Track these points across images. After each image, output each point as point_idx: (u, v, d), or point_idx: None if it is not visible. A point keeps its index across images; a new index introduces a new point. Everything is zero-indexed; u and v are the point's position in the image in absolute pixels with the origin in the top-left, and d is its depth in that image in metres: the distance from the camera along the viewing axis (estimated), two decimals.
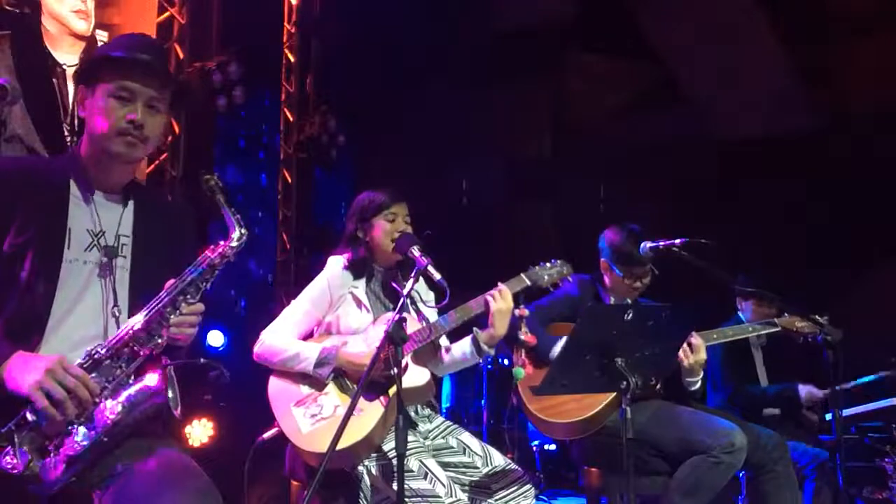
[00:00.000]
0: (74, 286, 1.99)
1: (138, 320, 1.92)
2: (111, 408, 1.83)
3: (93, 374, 1.85)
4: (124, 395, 1.86)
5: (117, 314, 2.02)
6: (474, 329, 2.75)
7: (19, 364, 1.82)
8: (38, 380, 1.76)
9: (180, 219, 2.30)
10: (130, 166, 2.13)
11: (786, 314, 3.55)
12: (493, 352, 2.77)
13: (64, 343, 1.93)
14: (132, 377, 1.91)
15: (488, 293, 2.71)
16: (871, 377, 4.05)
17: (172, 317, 1.94)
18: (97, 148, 2.05)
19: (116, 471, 1.85)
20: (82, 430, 1.81)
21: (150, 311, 1.92)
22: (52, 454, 1.79)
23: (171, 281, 1.97)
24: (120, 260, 2.07)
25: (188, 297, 1.96)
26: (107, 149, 2.03)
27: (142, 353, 1.91)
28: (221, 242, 2.01)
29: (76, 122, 4.48)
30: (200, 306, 1.99)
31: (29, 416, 1.79)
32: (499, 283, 2.74)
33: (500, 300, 2.68)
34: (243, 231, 2.01)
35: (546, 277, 2.86)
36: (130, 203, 2.14)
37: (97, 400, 1.83)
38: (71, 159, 2.11)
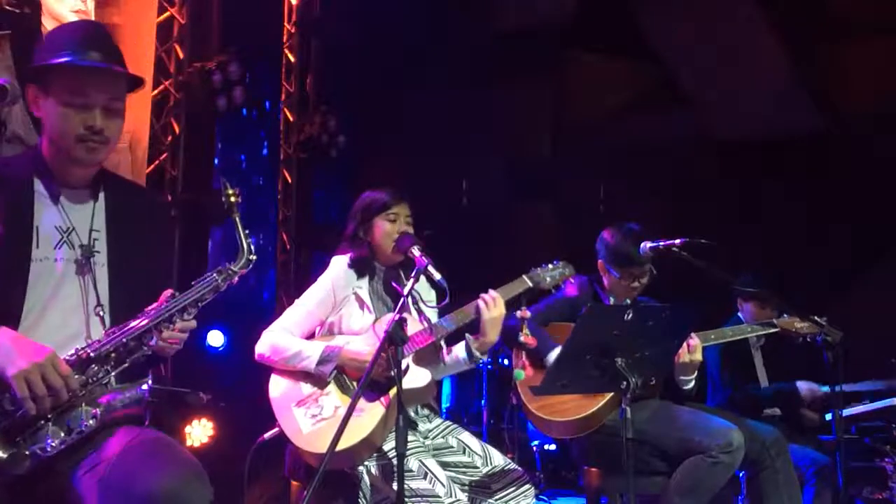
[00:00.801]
0: (47, 284, 1.96)
1: (133, 327, 1.90)
2: (87, 414, 1.83)
3: (75, 374, 1.84)
4: (104, 402, 1.86)
5: (101, 313, 2.01)
6: (466, 335, 2.74)
7: (9, 344, 1.80)
8: (25, 369, 1.75)
9: (154, 210, 2.27)
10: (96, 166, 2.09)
11: (785, 315, 3.54)
12: (486, 358, 2.76)
13: (43, 342, 1.89)
14: (112, 382, 1.91)
15: (480, 299, 2.69)
16: (872, 385, 4.04)
17: (165, 330, 1.93)
18: (58, 150, 2.01)
19: (94, 459, 1.84)
20: (55, 432, 1.80)
21: (146, 321, 1.91)
22: (19, 446, 1.78)
23: (169, 292, 1.96)
24: (96, 256, 2.04)
25: (185, 313, 1.95)
26: (67, 153, 2.00)
27: (128, 360, 1.91)
28: (228, 265, 2.00)
29: None
30: (193, 323, 1.98)
31: (7, 405, 1.78)
32: (490, 290, 2.71)
33: (493, 307, 2.66)
34: (251, 257, 2.01)
35: (548, 279, 2.85)
36: (101, 197, 2.10)
37: (75, 398, 1.82)
38: (33, 157, 2.06)
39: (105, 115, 1.99)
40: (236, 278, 2.01)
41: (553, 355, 3.14)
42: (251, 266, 2.01)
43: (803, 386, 4.00)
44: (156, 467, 1.73)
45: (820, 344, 3.25)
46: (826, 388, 3.92)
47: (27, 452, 1.78)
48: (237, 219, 2.01)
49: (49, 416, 1.80)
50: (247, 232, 2.02)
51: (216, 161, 6.30)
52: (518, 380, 2.99)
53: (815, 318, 3.29)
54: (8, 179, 2.00)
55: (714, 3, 7.06)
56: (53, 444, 1.79)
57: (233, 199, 2.01)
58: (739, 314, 4.27)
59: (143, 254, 2.12)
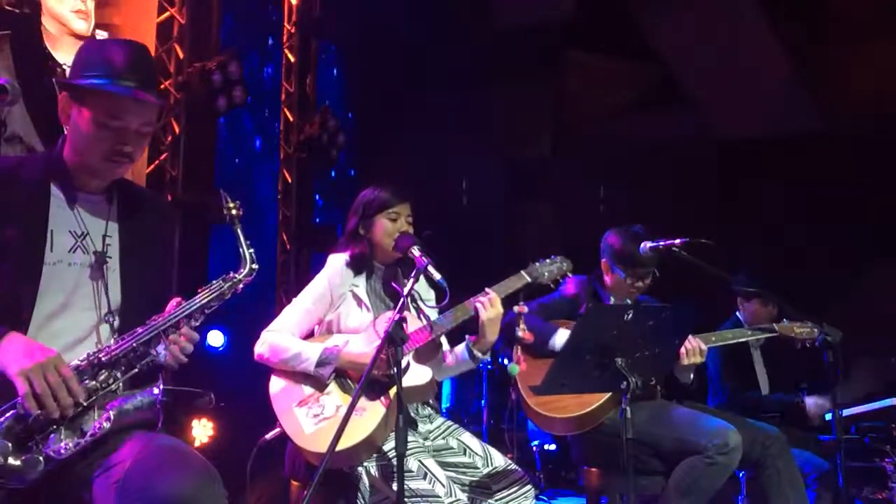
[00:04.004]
0: (61, 288, 1.97)
1: (141, 332, 1.92)
2: (100, 417, 1.84)
3: (85, 379, 1.86)
4: (116, 406, 1.87)
5: (111, 320, 2.02)
6: (466, 337, 2.75)
7: (14, 346, 1.81)
8: (27, 368, 1.76)
9: (162, 216, 2.28)
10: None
11: (785, 320, 3.54)
12: (488, 357, 2.76)
13: (53, 344, 1.91)
14: (121, 387, 1.92)
15: (477, 299, 2.69)
16: (879, 404, 4.02)
17: (172, 335, 1.94)
18: (80, 161, 2.02)
19: (109, 461, 1.84)
20: (69, 435, 1.81)
21: (153, 327, 1.93)
22: (32, 451, 1.78)
23: (177, 300, 1.98)
24: (108, 262, 2.05)
25: (192, 319, 1.97)
26: (91, 167, 2.01)
27: (137, 365, 1.92)
28: (232, 273, 2.02)
29: None
30: (197, 336, 2.00)
31: (18, 408, 1.79)
32: (486, 289, 2.72)
33: (490, 308, 2.66)
34: (254, 266, 2.03)
35: (546, 274, 2.85)
36: (115, 203, 2.11)
37: (83, 403, 1.83)
38: (50, 160, 2.06)
39: (136, 138, 2.01)
40: (241, 286, 2.04)
41: (558, 338, 3.15)
42: (254, 275, 2.04)
43: (810, 402, 3.98)
44: (172, 471, 1.74)
45: (820, 344, 3.25)
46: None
47: (41, 457, 1.78)
48: (238, 230, 2.03)
49: (61, 420, 1.81)
50: (248, 242, 2.04)
51: (216, 161, 6.30)
52: (512, 374, 2.99)
53: (820, 322, 3.29)
54: (22, 181, 2.00)
55: (714, 2, 7.06)
56: (68, 448, 1.80)
57: (234, 211, 2.03)
58: (738, 314, 4.27)
59: (151, 259, 2.15)
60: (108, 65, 1.97)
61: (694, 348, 3.13)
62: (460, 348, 2.79)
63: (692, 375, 3.23)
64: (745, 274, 4.06)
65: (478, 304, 2.67)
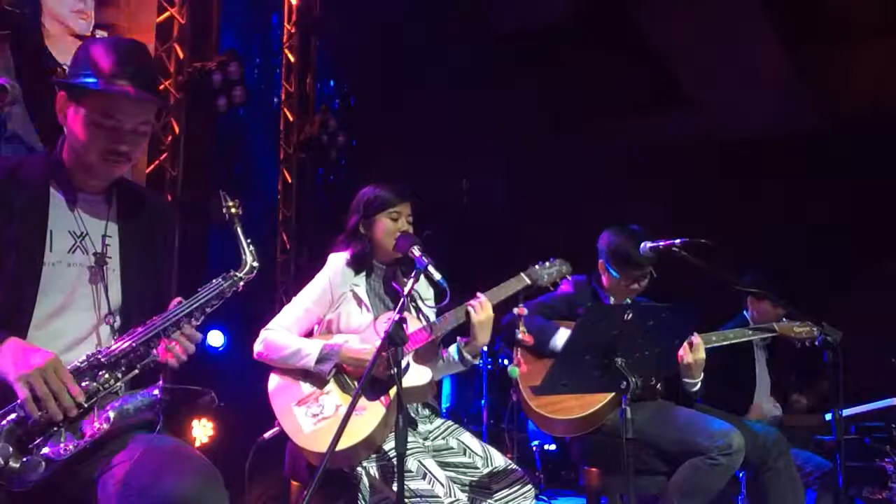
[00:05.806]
0: (61, 289, 1.97)
1: (142, 332, 1.91)
2: (100, 418, 1.84)
3: (85, 380, 1.85)
4: (116, 407, 1.86)
5: (111, 320, 2.02)
6: (458, 339, 2.75)
7: (13, 351, 1.81)
8: (27, 373, 1.77)
9: (162, 216, 2.28)
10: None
11: (785, 319, 3.54)
12: (477, 361, 2.76)
13: (53, 345, 1.91)
14: (122, 388, 1.92)
15: (469, 303, 2.70)
16: (879, 404, 4.02)
17: (173, 335, 1.94)
18: (78, 161, 2.01)
19: (111, 462, 1.84)
20: (68, 436, 1.81)
21: (153, 327, 1.92)
22: (33, 453, 1.79)
23: (177, 299, 1.98)
24: (108, 262, 2.05)
25: (192, 318, 1.97)
26: (88, 167, 2.01)
27: (138, 366, 1.92)
28: (232, 272, 2.02)
29: None
30: (198, 335, 2.00)
31: (19, 412, 1.79)
32: (478, 293, 2.72)
33: (480, 311, 2.67)
34: (254, 265, 2.03)
35: (546, 276, 2.86)
36: (114, 203, 2.11)
37: (84, 405, 1.83)
38: (49, 160, 2.06)
39: (132, 137, 2.00)
40: (241, 284, 2.03)
41: (558, 338, 3.14)
42: (255, 273, 2.03)
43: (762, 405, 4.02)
44: (174, 472, 1.75)
45: (821, 344, 3.25)
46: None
47: (41, 460, 1.78)
48: (238, 229, 2.03)
49: (61, 422, 1.81)
50: (249, 240, 2.03)
51: (216, 161, 6.30)
52: (512, 376, 3.00)
53: (817, 320, 3.29)
54: (22, 181, 2.00)
55: (714, 2, 7.06)
56: (68, 450, 1.80)
57: (233, 210, 2.04)
58: (745, 313, 4.25)
59: (152, 259, 2.15)
60: (103, 64, 1.97)
61: (696, 344, 3.12)
62: (452, 349, 2.79)
63: (699, 384, 3.22)
64: (751, 274, 4.06)
65: (469, 308, 2.68)
